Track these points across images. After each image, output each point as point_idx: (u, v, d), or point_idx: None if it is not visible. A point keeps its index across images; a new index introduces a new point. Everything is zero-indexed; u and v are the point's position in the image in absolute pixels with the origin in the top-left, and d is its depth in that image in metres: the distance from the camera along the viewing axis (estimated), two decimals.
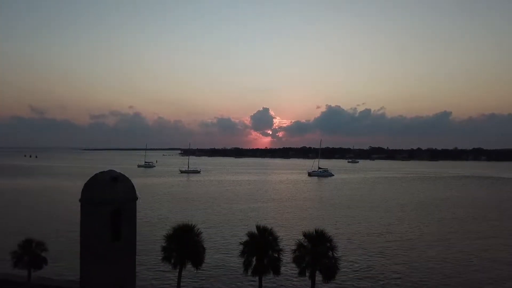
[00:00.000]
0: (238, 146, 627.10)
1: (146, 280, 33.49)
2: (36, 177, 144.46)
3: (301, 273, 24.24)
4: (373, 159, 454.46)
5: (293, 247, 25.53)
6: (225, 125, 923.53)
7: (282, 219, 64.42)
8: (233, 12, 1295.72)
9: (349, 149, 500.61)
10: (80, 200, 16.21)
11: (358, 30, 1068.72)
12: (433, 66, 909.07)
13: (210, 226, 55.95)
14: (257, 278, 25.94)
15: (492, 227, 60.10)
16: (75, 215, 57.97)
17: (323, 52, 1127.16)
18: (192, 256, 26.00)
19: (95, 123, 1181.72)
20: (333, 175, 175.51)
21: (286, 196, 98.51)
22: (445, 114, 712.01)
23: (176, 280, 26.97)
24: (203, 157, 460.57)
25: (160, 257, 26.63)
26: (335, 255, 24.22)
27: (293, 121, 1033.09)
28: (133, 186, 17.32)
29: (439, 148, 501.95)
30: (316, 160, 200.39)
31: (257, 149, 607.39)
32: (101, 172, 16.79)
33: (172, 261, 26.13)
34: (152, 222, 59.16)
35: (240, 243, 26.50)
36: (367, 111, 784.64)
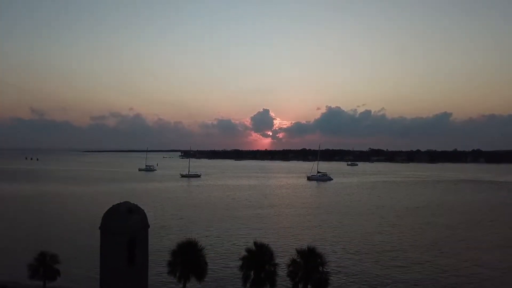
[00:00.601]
0: (238, 148, 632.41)
1: None
2: (40, 182, 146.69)
3: (295, 287, 26.70)
4: (372, 161, 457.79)
5: (288, 262, 28.02)
6: (226, 126, 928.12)
7: (280, 228, 66.89)
8: (233, 13, 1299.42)
9: (349, 151, 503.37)
10: (100, 228, 18.68)
11: (358, 31, 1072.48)
12: (433, 67, 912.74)
13: (212, 236, 58.30)
14: None
15: (483, 235, 62.49)
16: (84, 222, 60.69)
17: (323, 53, 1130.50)
18: (196, 270, 28.50)
19: (95, 124, 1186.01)
20: (331, 179, 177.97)
21: (285, 202, 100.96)
22: (445, 115, 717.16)
23: None
24: (203, 160, 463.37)
25: (166, 271, 29.10)
26: (325, 269, 26.72)
27: (293, 122, 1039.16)
28: (145, 215, 19.77)
29: (439, 149, 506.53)
30: (316, 162, 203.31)
31: (257, 151, 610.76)
32: (118, 204, 19.22)
33: (177, 274, 28.64)
34: (155, 231, 61.45)
35: (240, 258, 28.97)
36: (367, 112, 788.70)
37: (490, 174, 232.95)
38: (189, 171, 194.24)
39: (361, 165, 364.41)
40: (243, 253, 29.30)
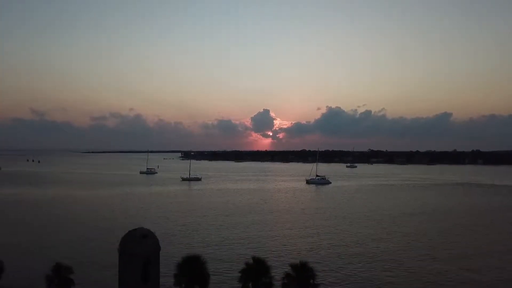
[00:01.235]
0: (238, 148, 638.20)
1: None
2: (46, 186, 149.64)
3: None
4: (371, 163, 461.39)
5: (282, 275, 31.21)
6: (226, 126, 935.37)
7: (278, 236, 69.85)
8: (234, 13, 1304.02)
9: (348, 152, 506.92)
10: (119, 251, 21.73)
11: (358, 31, 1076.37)
12: (433, 67, 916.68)
13: (212, 245, 61.25)
14: None
15: (476, 240, 65.50)
16: (94, 230, 63.97)
17: (323, 53, 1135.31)
18: (199, 282, 31.55)
19: (95, 125, 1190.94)
20: (330, 183, 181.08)
21: (284, 207, 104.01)
22: (446, 115, 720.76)
23: None
24: (203, 161, 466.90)
25: (172, 282, 32.13)
26: (315, 282, 29.91)
27: (293, 122, 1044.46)
28: (157, 239, 22.86)
29: (440, 149, 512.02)
30: (315, 165, 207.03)
31: (257, 152, 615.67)
32: (134, 230, 22.33)
33: (183, 286, 31.71)
34: (160, 237, 64.52)
35: (238, 271, 32.08)
36: (368, 112, 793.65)
37: (486, 177, 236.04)
38: (189, 174, 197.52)
39: (360, 167, 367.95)
40: (243, 265, 32.39)
